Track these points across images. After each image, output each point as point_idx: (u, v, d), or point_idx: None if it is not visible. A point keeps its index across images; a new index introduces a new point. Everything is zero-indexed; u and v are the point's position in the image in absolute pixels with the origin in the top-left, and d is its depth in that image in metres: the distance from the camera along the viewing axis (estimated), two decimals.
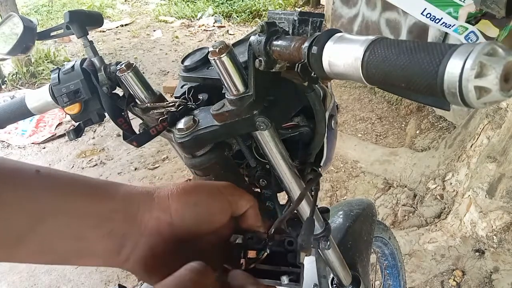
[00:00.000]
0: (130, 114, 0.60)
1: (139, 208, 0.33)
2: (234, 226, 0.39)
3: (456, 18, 2.00)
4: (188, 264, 0.29)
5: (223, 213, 0.36)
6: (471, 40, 2.00)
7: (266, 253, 0.36)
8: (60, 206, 0.30)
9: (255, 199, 0.39)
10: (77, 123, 0.64)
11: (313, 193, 0.55)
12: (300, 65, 0.35)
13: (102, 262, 0.32)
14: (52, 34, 0.64)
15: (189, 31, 6.12)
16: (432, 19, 2.07)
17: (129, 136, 0.54)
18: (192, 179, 0.39)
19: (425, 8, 2.08)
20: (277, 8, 6.24)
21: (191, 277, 0.27)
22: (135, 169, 2.78)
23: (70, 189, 0.31)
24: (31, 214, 0.29)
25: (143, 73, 0.57)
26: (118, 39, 5.88)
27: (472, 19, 1.95)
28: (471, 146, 2.07)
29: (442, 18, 2.03)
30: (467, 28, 1.98)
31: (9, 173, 0.29)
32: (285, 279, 0.34)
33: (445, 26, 2.02)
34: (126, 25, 6.56)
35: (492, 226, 1.80)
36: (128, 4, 7.96)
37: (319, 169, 0.55)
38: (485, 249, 1.81)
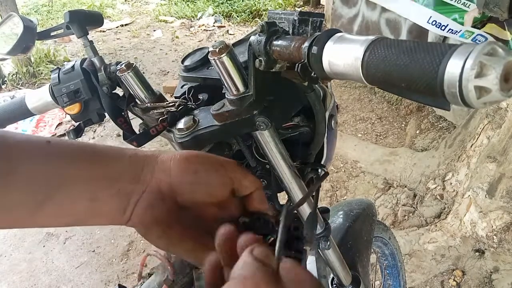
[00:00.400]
0: (130, 114, 0.60)
1: (143, 169, 0.35)
2: (242, 209, 0.39)
3: (461, 24, 2.01)
4: (254, 249, 0.28)
5: (222, 187, 0.36)
6: (479, 42, 2.02)
7: (272, 238, 0.36)
8: (74, 173, 0.32)
9: (260, 182, 0.39)
10: (77, 123, 0.64)
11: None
12: (300, 65, 0.35)
13: (109, 221, 0.34)
14: (52, 34, 0.64)
15: (189, 31, 6.12)
16: (438, 26, 2.10)
17: (129, 136, 0.54)
18: None
19: (431, 16, 2.10)
20: (277, 8, 6.24)
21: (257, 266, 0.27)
22: None
23: (81, 156, 0.33)
24: (48, 182, 0.31)
25: (143, 73, 0.57)
26: (118, 39, 5.88)
27: (478, 23, 1.96)
28: (471, 146, 2.07)
29: (448, 24, 2.05)
30: (473, 32, 1.99)
31: (22, 146, 0.31)
32: None
33: (452, 33, 2.04)
34: (126, 25, 6.56)
35: (492, 226, 1.80)
36: (128, 4, 7.96)
37: (324, 168, 0.55)
38: (485, 249, 1.81)
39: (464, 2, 2.00)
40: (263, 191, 0.40)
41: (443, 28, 2.08)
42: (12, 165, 0.30)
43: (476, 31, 1.98)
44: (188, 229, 0.36)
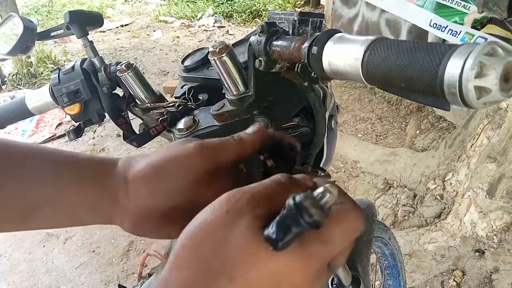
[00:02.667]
0: (130, 114, 0.60)
1: (118, 193, 0.34)
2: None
3: (462, 25, 2.02)
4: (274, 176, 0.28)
5: (198, 174, 0.34)
6: None
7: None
8: (54, 196, 0.33)
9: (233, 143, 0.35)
10: (77, 123, 0.64)
11: None
12: (300, 65, 0.35)
13: (100, 224, 0.35)
14: (52, 34, 0.64)
15: (189, 31, 6.12)
16: (438, 28, 2.12)
17: (129, 136, 0.54)
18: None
19: (431, 20, 2.13)
20: (277, 8, 6.24)
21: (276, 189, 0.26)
22: None
23: (62, 177, 0.34)
24: (30, 200, 0.32)
25: (143, 73, 0.57)
26: (118, 39, 5.88)
27: (478, 24, 1.96)
28: (471, 146, 2.07)
29: (447, 26, 2.07)
30: (474, 35, 2.00)
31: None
32: None
33: (452, 34, 2.06)
34: (126, 25, 6.56)
35: (492, 226, 1.80)
36: (128, 4, 7.96)
37: (324, 171, 0.55)
38: (485, 249, 1.81)
39: (464, 5, 2.01)
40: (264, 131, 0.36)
41: (443, 29, 2.09)
42: (20, 172, 0.31)
43: (477, 33, 1.98)
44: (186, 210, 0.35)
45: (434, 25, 2.11)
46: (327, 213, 0.22)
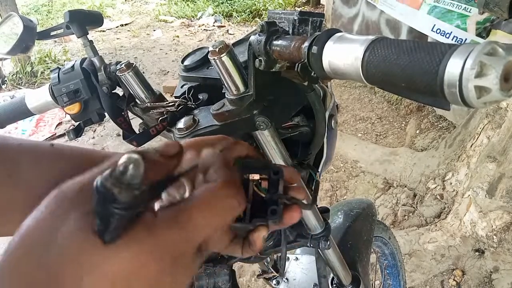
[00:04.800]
0: (130, 114, 0.60)
1: None
2: None
3: (465, 29, 2.01)
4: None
5: None
6: None
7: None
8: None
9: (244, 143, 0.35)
10: (77, 123, 0.64)
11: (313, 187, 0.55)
12: (300, 64, 0.35)
13: None
14: (52, 33, 0.64)
15: (189, 30, 6.12)
16: (442, 34, 2.10)
17: (129, 135, 0.54)
18: None
19: (434, 25, 2.11)
20: (277, 8, 6.24)
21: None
22: None
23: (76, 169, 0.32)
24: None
25: (143, 72, 0.57)
26: (118, 38, 5.88)
27: (482, 30, 1.95)
28: (471, 146, 2.07)
29: (451, 32, 2.06)
30: (479, 43, 2.01)
31: (27, 150, 0.31)
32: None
33: (457, 41, 2.05)
34: (126, 24, 6.56)
35: (492, 226, 1.80)
36: (128, 3, 7.95)
37: (318, 171, 0.55)
38: (485, 249, 1.81)
39: (465, 7, 2.01)
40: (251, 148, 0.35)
41: (447, 35, 2.08)
42: (14, 167, 0.30)
43: (482, 41, 1.98)
44: None
45: (438, 31, 2.11)
46: (142, 189, 0.19)
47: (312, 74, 0.36)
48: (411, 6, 2.39)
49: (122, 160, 0.18)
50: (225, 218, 0.24)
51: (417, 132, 2.86)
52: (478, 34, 1.98)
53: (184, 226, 0.22)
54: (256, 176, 0.34)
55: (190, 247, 0.22)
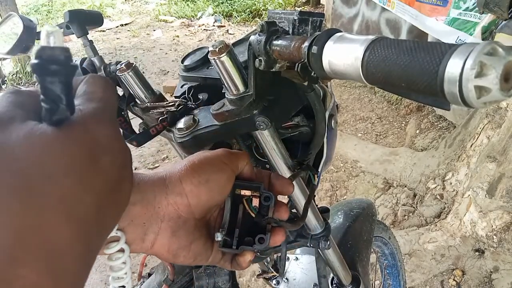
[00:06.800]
0: (130, 114, 0.60)
1: (155, 197, 0.33)
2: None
3: (471, 35, 2.06)
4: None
5: (229, 181, 0.36)
6: None
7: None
8: None
9: (247, 154, 0.39)
10: None
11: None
12: (300, 64, 0.35)
13: (129, 249, 0.33)
14: None
15: (189, 30, 6.12)
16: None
17: (129, 135, 0.54)
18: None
19: (458, 36, 2.18)
20: (277, 8, 6.24)
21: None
22: (135, 168, 2.78)
23: None
24: None
25: (143, 72, 0.57)
26: (118, 38, 5.88)
27: (488, 34, 1.97)
28: (471, 146, 2.07)
29: (465, 39, 2.12)
30: (479, 43, 2.04)
31: None
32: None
33: None
34: (126, 24, 6.56)
35: (492, 226, 1.80)
36: (128, 3, 7.95)
37: (317, 172, 0.55)
38: (485, 248, 1.81)
39: (475, 15, 2.07)
40: (250, 163, 0.39)
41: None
42: None
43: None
44: (208, 235, 0.37)
45: (459, 41, 2.16)
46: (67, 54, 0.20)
47: (312, 74, 0.36)
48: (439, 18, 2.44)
49: (43, 35, 0.20)
50: (107, 96, 0.26)
51: (417, 132, 2.86)
52: (484, 39, 2.00)
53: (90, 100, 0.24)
54: (248, 192, 0.37)
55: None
